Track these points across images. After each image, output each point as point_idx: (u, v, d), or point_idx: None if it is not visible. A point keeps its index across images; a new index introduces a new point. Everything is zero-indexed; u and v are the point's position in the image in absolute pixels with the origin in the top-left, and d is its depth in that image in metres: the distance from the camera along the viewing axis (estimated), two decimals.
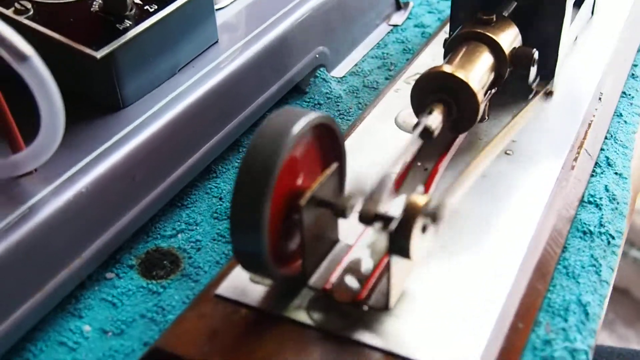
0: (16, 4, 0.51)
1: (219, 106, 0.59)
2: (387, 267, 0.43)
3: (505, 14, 0.60)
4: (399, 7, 0.84)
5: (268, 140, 0.40)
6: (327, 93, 0.69)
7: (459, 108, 0.53)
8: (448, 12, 0.83)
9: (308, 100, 0.69)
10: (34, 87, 0.41)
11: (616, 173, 0.59)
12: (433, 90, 0.53)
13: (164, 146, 0.53)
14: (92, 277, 0.51)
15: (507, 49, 0.57)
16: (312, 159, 0.45)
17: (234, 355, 0.43)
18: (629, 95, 0.69)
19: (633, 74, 0.72)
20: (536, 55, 0.58)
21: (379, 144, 0.59)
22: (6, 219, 0.45)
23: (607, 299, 0.51)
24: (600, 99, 0.64)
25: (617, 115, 0.66)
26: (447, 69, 0.53)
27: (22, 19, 0.51)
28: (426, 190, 0.52)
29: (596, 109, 0.63)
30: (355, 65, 0.75)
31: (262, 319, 0.46)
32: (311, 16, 0.69)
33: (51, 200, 0.46)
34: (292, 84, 0.67)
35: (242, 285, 0.47)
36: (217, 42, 0.62)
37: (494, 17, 0.58)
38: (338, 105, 0.69)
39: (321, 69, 0.71)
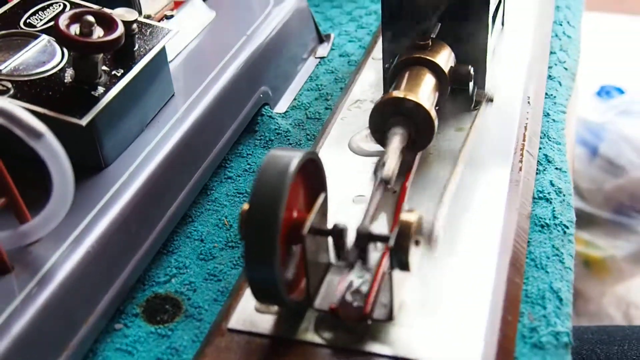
0: None
1: (188, 155, 0.62)
2: (388, 281, 0.48)
3: (433, 35, 0.65)
4: (321, 39, 0.89)
5: (271, 183, 0.44)
6: (275, 129, 0.73)
7: (416, 128, 0.58)
8: (367, 39, 0.89)
9: (260, 138, 0.73)
10: (49, 161, 0.44)
11: (557, 168, 0.65)
12: (389, 115, 0.58)
13: (149, 198, 0.57)
14: (101, 329, 0.54)
15: (446, 69, 0.62)
16: (300, 192, 0.49)
17: None
18: (551, 95, 0.75)
19: (550, 76, 0.78)
20: (472, 71, 0.63)
21: (340, 170, 0.63)
22: (28, 286, 0.48)
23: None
24: (529, 102, 0.70)
25: (546, 115, 0.72)
26: (399, 94, 0.58)
27: (5, 98, 0.53)
28: (398, 209, 0.56)
29: (528, 112, 0.69)
30: (295, 99, 0.79)
31: (275, 345, 0.49)
32: (251, 58, 0.73)
33: (64, 263, 0.49)
34: (244, 125, 0.72)
35: (250, 316, 0.51)
36: (173, 95, 0.66)
37: (430, 41, 0.63)
38: (288, 139, 0.73)
39: (266, 107, 0.75)
